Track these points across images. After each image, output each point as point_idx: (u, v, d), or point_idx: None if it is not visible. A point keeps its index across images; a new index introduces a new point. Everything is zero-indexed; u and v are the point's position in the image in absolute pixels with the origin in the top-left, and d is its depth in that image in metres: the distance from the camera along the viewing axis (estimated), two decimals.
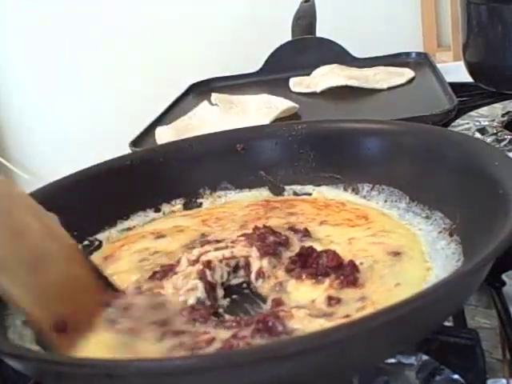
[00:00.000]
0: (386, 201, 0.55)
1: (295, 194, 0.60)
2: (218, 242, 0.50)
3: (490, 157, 0.46)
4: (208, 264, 0.45)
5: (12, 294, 0.38)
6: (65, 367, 0.33)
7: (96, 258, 0.52)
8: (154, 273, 0.47)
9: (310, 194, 0.60)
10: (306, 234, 0.50)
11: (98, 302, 0.42)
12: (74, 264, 0.43)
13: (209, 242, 0.51)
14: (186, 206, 0.60)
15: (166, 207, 0.60)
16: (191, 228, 0.55)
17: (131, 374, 0.32)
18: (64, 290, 0.40)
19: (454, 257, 0.45)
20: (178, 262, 0.48)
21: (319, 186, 0.59)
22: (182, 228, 0.55)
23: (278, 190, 0.61)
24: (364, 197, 0.57)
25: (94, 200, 0.56)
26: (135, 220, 0.58)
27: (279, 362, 0.31)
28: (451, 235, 0.47)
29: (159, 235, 0.55)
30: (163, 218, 0.59)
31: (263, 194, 0.61)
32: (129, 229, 0.57)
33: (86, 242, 0.55)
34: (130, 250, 0.53)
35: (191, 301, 0.42)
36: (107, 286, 0.44)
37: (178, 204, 0.60)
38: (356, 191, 0.57)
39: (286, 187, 0.61)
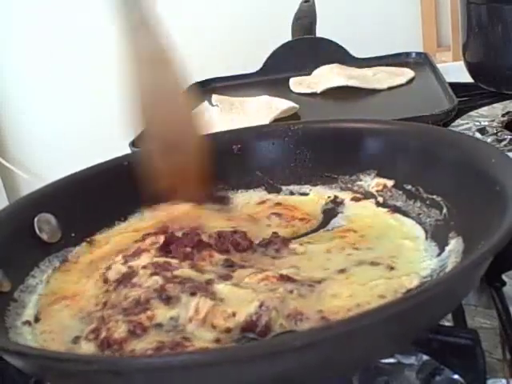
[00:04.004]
0: (383, 199, 0.55)
1: (292, 193, 0.60)
2: None
3: (487, 155, 0.46)
4: None
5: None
6: (69, 364, 0.33)
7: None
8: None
9: (306, 194, 0.59)
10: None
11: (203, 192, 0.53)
12: (198, 156, 0.52)
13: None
14: None
15: None
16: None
17: (136, 370, 0.31)
18: (184, 172, 0.52)
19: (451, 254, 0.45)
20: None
21: (316, 185, 0.59)
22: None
23: (274, 190, 0.61)
24: None
25: (91, 201, 0.56)
26: (133, 221, 0.58)
27: (276, 360, 0.31)
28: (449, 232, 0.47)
29: None
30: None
31: (259, 194, 0.61)
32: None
33: (83, 243, 0.55)
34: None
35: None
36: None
37: None
38: (353, 190, 0.57)
39: (283, 187, 0.61)
